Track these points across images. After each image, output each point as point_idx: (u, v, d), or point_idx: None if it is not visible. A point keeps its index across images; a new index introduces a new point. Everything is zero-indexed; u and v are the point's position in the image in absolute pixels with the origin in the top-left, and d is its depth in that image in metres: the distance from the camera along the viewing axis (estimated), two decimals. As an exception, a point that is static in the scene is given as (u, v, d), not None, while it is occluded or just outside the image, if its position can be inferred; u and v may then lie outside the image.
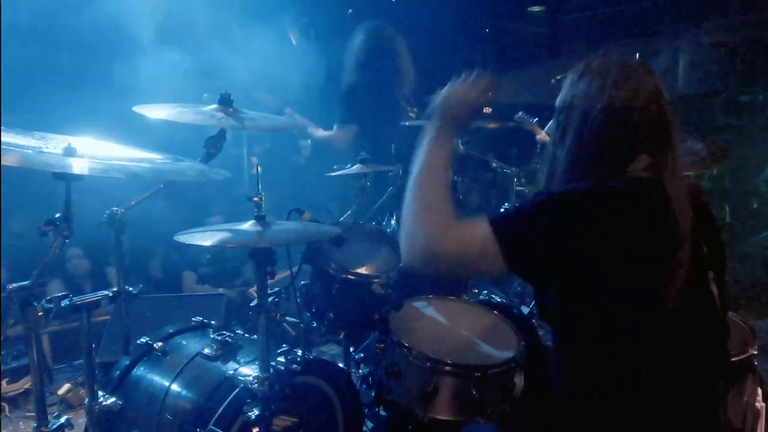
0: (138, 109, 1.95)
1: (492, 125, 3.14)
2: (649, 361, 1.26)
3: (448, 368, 2.02)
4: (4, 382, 3.39)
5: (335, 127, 3.59)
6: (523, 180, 4.09)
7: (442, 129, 1.45)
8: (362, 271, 2.42)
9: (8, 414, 3.31)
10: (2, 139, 1.56)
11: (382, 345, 2.19)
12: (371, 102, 3.47)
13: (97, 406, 1.94)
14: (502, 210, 1.22)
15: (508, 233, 1.24)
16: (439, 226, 1.31)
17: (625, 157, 1.34)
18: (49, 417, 1.76)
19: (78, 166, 1.54)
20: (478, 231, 1.26)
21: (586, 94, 1.37)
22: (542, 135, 3.77)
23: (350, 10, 6.43)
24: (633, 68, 1.37)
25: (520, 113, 3.79)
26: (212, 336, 2.16)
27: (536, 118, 3.78)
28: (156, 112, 1.95)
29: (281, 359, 1.99)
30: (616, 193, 1.27)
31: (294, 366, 1.98)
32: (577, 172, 1.37)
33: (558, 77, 4.01)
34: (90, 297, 1.89)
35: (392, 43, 3.60)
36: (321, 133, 3.73)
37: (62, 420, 1.79)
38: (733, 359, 2.07)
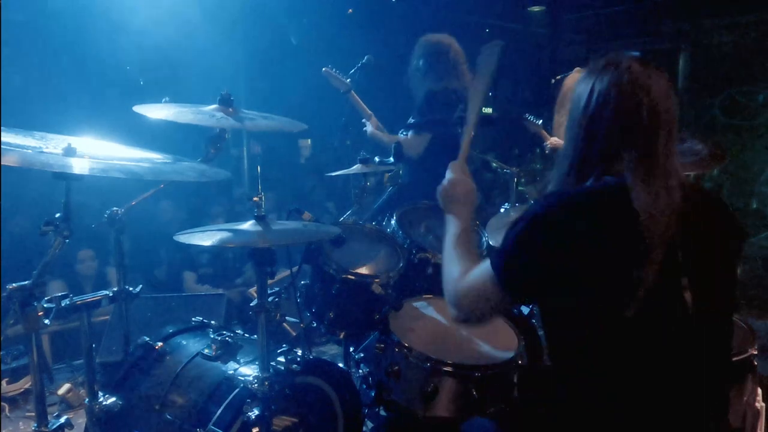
0: (138, 108, 1.95)
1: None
2: (619, 367, 1.28)
3: (448, 368, 2.02)
4: (4, 382, 3.40)
5: (411, 134, 3.49)
6: (523, 180, 4.09)
7: (451, 218, 1.71)
8: (362, 271, 2.42)
9: (8, 414, 3.31)
10: (2, 139, 1.56)
11: (382, 345, 2.19)
12: (449, 105, 3.42)
13: (97, 406, 1.94)
14: (499, 249, 1.36)
15: (502, 265, 1.34)
16: (455, 283, 1.50)
17: (605, 154, 1.36)
18: (49, 417, 1.76)
19: (78, 166, 1.54)
20: (481, 273, 1.40)
21: (580, 95, 1.40)
22: (550, 140, 3.79)
23: (350, 10, 6.43)
24: (627, 65, 1.36)
25: (528, 116, 3.78)
26: (212, 336, 2.16)
27: (541, 120, 3.77)
28: (156, 112, 1.95)
29: (281, 359, 1.99)
30: (577, 202, 1.31)
31: (294, 366, 1.98)
32: (564, 171, 1.42)
33: (558, 77, 4.02)
34: (90, 297, 1.89)
35: (457, 50, 3.54)
36: (382, 134, 3.66)
37: (62, 420, 1.79)
38: (733, 359, 2.07)
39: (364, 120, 3.73)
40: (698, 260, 1.33)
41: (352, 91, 3.68)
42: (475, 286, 1.42)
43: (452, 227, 1.68)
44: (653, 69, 1.37)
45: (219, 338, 2.13)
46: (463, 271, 1.48)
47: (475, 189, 1.76)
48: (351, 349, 2.78)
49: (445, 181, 1.75)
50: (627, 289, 1.23)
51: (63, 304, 1.74)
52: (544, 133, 3.81)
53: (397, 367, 2.08)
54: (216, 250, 4.66)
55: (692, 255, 1.31)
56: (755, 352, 2.21)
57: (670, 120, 1.35)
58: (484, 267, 1.39)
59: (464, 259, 1.54)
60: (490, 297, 1.39)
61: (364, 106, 3.72)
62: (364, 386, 2.33)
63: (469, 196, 1.73)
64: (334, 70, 3.69)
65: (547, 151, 3.82)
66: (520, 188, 3.97)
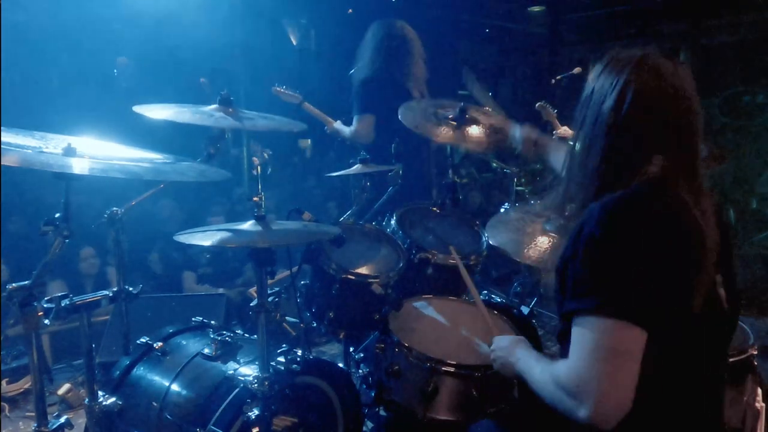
0: (138, 109, 1.95)
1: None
2: (662, 363, 1.23)
3: (448, 368, 2.02)
4: (4, 382, 3.39)
5: (354, 119, 3.52)
6: (523, 180, 4.09)
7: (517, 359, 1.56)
8: (362, 271, 2.42)
9: (8, 414, 3.31)
10: (2, 139, 1.56)
11: (382, 345, 2.18)
12: (385, 94, 3.42)
13: (97, 406, 1.94)
14: (574, 295, 1.21)
15: (621, 302, 1.15)
16: (560, 376, 1.23)
17: (637, 158, 1.29)
18: (49, 417, 1.76)
19: (78, 166, 1.54)
20: (597, 337, 1.16)
21: (601, 88, 1.33)
22: (561, 129, 3.72)
23: (350, 10, 6.43)
24: (655, 63, 1.31)
25: (543, 102, 3.76)
26: (212, 336, 2.16)
27: (557, 110, 3.75)
28: (156, 112, 1.95)
29: (281, 359, 1.99)
30: (639, 205, 1.23)
31: (294, 366, 1.98)
32: (590, 170, 1.33)
33: (558, 77, 4.01)
34: (90, 297, 1.89)
35: (404, 36, 3.58)
36: (341, 127, 3.69)
37: (62, 420, 1.79)
38: (733, 359, 2.07)
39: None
40: (723, 258, 1.33)
41: (305, 102, 3.79)
42: (591, 351, 1.16)
43: (524, 361, 1.51)
44: (679, 65, 1.32)
45: (219, 338, 2.13)
46: (558, 364, 1.25)
47: (518, 339, 1.67)
48: (351, 349, 2.78)
49: (496, 353, 1.68)
50: (689, 290, 1.21)
51: (63, 304, 1.74)
52: (557, 122, 3.75)
53: (397, 367, 2.08)
54: (216, 250, 4.65)
55: (722, 252, 1.31)
56: (755, 352, 2.20)
57: (701, 119, 1.31)
58: (582, 324, 1.17)
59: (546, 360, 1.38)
60: (618, 347, 1.13)
61: (320, 113, 3.80)
62: (364, 386, 2.33)
63: (515, 342, 1.63)
64: (282, 87, 3.81)
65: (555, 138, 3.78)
66: (519, 188, 3.97)
